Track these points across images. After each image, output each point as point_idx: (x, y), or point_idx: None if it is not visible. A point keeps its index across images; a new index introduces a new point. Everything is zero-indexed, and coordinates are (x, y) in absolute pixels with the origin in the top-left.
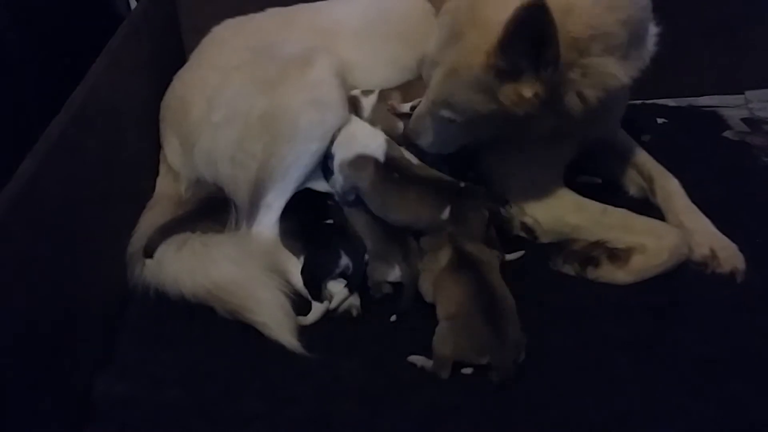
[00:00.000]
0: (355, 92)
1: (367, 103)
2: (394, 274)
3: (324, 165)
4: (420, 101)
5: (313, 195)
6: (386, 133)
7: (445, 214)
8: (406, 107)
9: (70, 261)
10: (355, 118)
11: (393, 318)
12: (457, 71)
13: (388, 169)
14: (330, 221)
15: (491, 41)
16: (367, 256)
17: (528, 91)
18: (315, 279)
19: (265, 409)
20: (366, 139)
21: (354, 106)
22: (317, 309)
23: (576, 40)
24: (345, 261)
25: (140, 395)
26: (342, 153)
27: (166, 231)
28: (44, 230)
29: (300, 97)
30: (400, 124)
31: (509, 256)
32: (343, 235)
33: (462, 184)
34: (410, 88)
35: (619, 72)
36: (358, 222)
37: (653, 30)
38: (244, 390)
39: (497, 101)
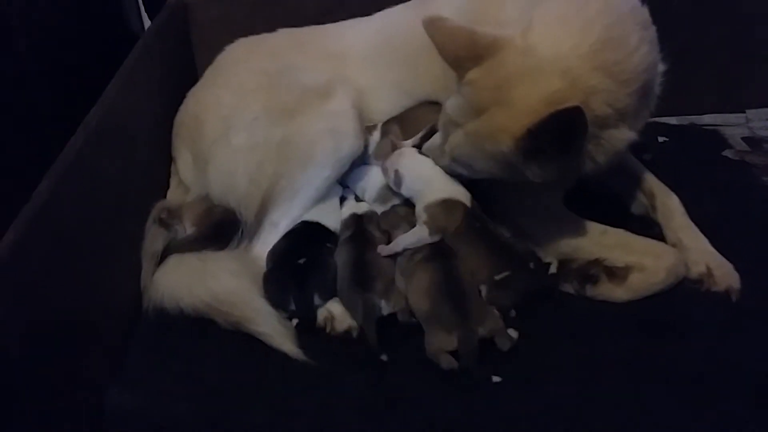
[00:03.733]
0: None
1: (372, 140)
2: (359, 319)
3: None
4: (421, 135)
5: (315, 230)
6: None
7: (499, 276)
8: (407, 144)
9: (83, 277)
10: (423, 158)
11: (384, 357)
12: (481, 142)
13: (472, 218)
14: (302, 260)
15: (519, 124)
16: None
17: (552, 169)
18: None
19: (270, 422)
20: (449, 183)
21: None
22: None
23: (597, 118)
24: (291, 307)
25: (149, 408)
26: (425, 197)
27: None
28: (59, 248)
29: (318, 126)
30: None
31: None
32: (303, 280)
33: (531, 265)
34: (407, 119)
35: (629, 135)
36: (340, 260)
37: (661, 68)
38: (249, 403)
39: (519, 172)
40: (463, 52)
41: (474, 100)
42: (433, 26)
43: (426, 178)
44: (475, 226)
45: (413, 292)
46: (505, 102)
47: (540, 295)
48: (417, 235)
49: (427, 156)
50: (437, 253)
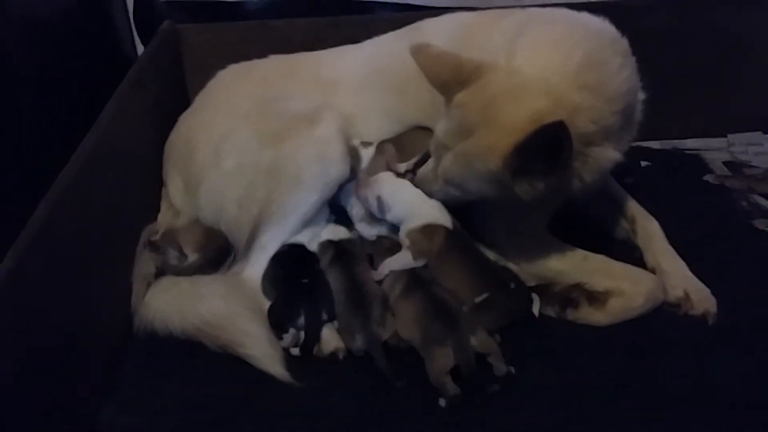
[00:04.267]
0: (355, 143)
1: (366, 154)
2: (356, 344)
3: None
4: (415, 160)
5: (302, 252)
6: None
7: (479, 298)
8: (402, 167)
9: (77, 299)
10: (401, 183)
11: (399, 384)
12: (471, 162)
13: (454, 237)
14: (305, 280)
15: (506, 143)
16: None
17: (540, 185)
18: (273, 325)
19: None
20: (428, 207)
21: (353, 156)
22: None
23: (583, 135)
24: (302, 321)
25: (141, 426)
26: (407, 223)
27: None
28: (55, 272)
29: (306, 152)
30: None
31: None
32: (310, 296)
33: (512, 285)
34: (403, 141)
35: (614, 154)
36: (333, 285)
37: (641, 97)
38: (238, 421)
39: (509, 190)
40: (449, 76)
41: (462, 122)
42: (420, 53)
43: (408, 203)
44: (457, 245)
45: (402, 326)
46: (492, 122)
47: (520, 316)
48: (402, 260)
49: (404, 179)
50: (416, 282)
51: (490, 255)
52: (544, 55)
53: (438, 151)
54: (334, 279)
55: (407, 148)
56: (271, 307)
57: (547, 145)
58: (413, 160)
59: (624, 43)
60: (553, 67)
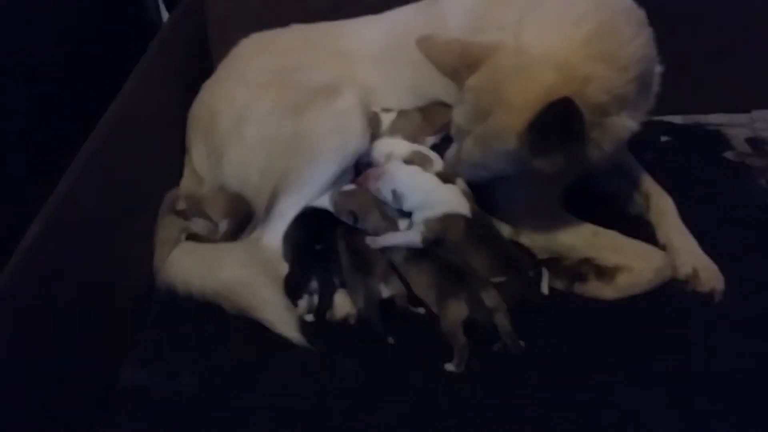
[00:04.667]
0: (375, 109)
1: (387, 118)
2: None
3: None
4: (441, 135)
5: (324, 217)
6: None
7: (497, 279)
8: (430, 140)
9: (103, 261)
10: (414, 171)
11: (391, 340)
12: (489, 144)
13: (474, 226)
14: (318, 247)
15: (521, 121)
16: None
17: (559, 159)
18: (289, 291)
19: (269, 401)
20: (447, 194)
21: (374, 123)
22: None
23: (596, 105)
24: (314, 286)
25: (158, 383)
26: (426, 211)
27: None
28: (80, 238)
29: (326, 124)
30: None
31: None
32: (323, 263)
33: (531, 273)
34: (431, 111)
35: (631, 124)
36: (339, 246)
37: (658, 69)
38: (250, 383)
39: (530, 166)
40: (457, 63)
41: (476, 105)
42: (426, 44)
43: (425, 191)
44: (477, 233)
45: (417, 288)
46: (505, 102)
47: (531, 301)
48: (408, 239)
49: (415, 166)
50: (420, 250)
51: (505, 230)
52: (551, 29)
53: (458, 135)
54: (341, 241)
55: (433, 120)
56: (287, 275)
57: (560, 120)
58: (440, 134)
59: (640, 13)
60: (561, 40)
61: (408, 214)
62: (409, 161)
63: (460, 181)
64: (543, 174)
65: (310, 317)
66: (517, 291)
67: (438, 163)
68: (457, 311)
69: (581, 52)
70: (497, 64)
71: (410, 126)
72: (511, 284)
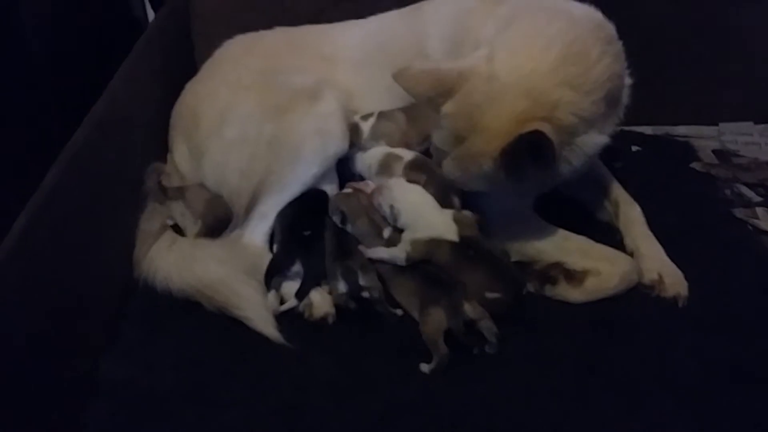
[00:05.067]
0: (354, 119)
1: (366, 126)
2: (340, 289)
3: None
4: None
5: (320, 200)
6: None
7: (491, 295)
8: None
9: (85, 256)
10: (412, 189)
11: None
12: (467, 165)
13: (463, 247)
14: (307, 233)
15: (494, 147)
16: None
17: (533, 178)
18: (267, 272)
19: (247, 396)
20: (437, 217)
21: (353, 133)
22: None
23: (565, 127)
24: (297, 269)
25: (137, 377)
26: (413, 232)
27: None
28: (64, 232)
29: (307, 126)
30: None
31: None
32: (308, 248)
33: (524, 291)
34: (415, 115)
35: (600, 138)
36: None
37: (628, 82)
38: (228, 378)
39: (506, 184)
40: (432, 92)
41: (453, 130)
42: (402, 77)
43: (415, 213)
44: (467, 255)
45: (401, 297)
46: (479, 128)
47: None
48: (392, 256)
49: (417, 184)
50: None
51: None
52: (520, 55)
53: (437, 155)
54: (329, 228)
55: (419, 120)
56: (273, 255)
57: (531, 148)
58: (426, 143)
59: (609, 28)
60: (531, 66)
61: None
62: (384, 165)
63: (466, 213)
64: (518, 189)
65: (285, 307)
66: (509, 307)
67: (408, 155)
68: (437, 320)
69: (549, 79)
70: (471, 91)
71: (394, 129)
72: (504, 302)
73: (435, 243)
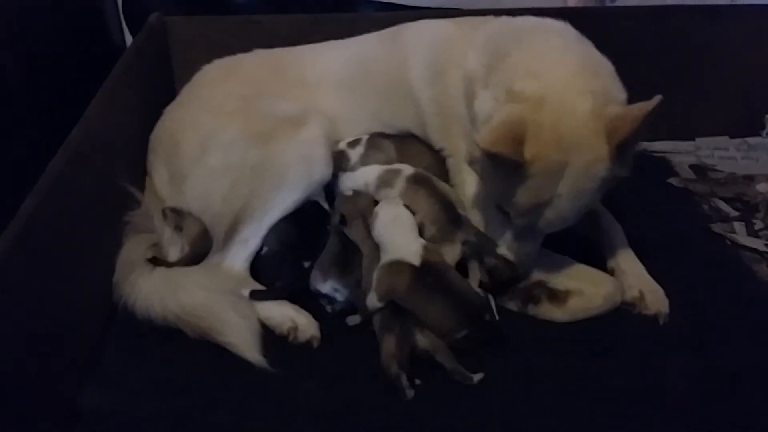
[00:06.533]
0: (341, 146)
1: (355, 154)
2: (324, 288)
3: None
4: None
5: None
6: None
7: (460, 335)
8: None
9: (64, 285)
10: (395, 212)
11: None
12: (584, 188)
13: (422, 273)
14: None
15: (600, 147)
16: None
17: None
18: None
19: (233, 423)
20: (403, 240)
21: (339, 160)
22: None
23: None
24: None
25: (121, 406)
26: (385, 254)
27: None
28: (43, 260)
29: (291, 153)
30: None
31: None
32: (298, 251)
33: (487, 317)
34: (406, 146)
35: None
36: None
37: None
38: (214, 404)
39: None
40: (510, 149)
41: (547, 166)
42: (476, 162)
43: (385, 235)
44: (426, 281)
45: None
46: (573, 146)
47: (491, 343)
48: (370, 303)
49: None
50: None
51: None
52: (545, 74)
53: (527, 213)
54: (333, 236)
55: (409, 154)
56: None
57: (626, 125)
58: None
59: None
60: (560, 74)
61: None
62: (383, 180)
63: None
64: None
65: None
66: (478, 338)
67: (407, 169)
68: (388, 347)
69: (581, 79)
70: (539, 125)
71: (383, 161)
72: (472, 336)
73: (395, 267)
